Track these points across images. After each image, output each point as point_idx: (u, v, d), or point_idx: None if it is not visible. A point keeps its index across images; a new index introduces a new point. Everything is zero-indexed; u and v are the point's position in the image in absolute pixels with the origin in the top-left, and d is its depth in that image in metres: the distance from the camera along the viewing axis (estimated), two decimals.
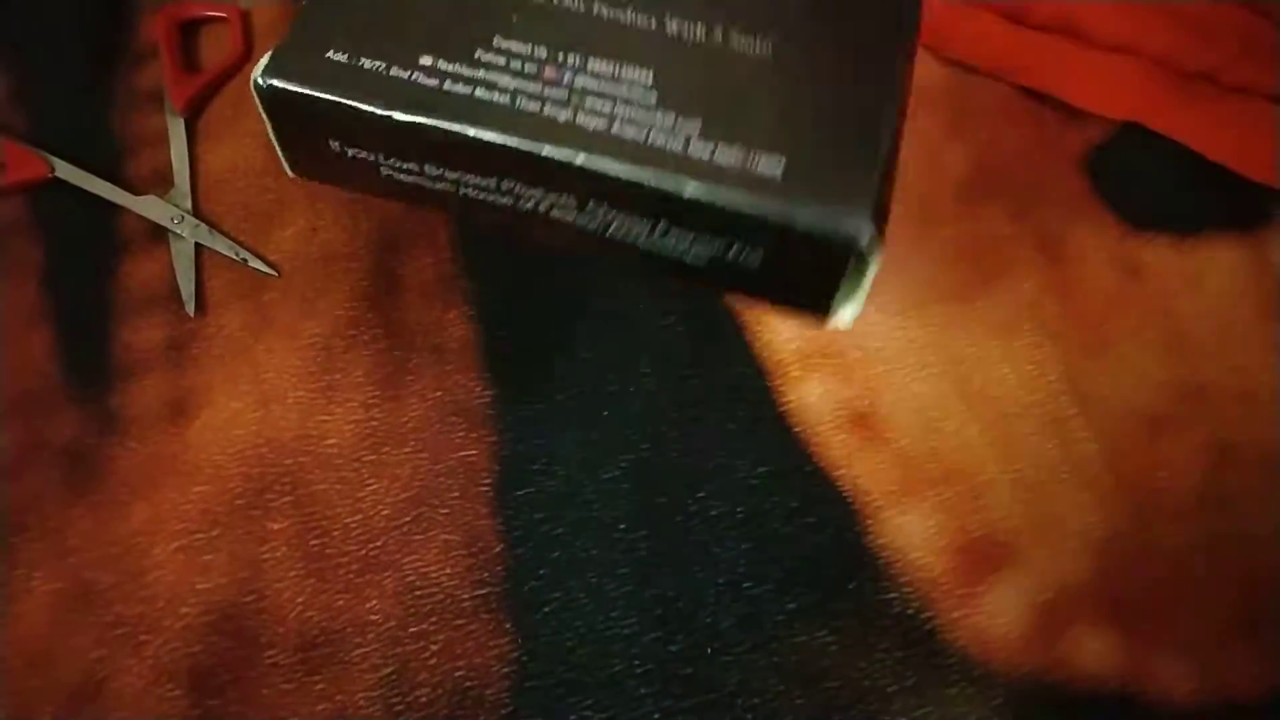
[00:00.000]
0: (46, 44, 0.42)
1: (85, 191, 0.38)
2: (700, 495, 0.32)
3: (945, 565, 0.31)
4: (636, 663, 0.29)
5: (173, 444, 0.33)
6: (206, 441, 0.33)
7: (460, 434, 0.33)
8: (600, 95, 0.25)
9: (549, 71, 0.26)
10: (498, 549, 0.31)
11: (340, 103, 0.26)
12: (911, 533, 0.31)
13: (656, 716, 0.28)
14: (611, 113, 0.25)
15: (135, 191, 0.38)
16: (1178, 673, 0.29)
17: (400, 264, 0.36)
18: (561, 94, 0.25)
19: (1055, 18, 0.39)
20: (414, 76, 0.26)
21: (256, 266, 0.36)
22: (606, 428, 0.33)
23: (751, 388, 0.34)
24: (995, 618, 0.30)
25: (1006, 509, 0.31)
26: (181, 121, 0.40)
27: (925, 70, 0.40)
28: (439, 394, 0.34)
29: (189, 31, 0.42)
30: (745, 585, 0.31)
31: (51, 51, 0.42)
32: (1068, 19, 0.39)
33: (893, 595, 0.30)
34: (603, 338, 0.35)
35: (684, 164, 0.24)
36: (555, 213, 0.27)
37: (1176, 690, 0.29)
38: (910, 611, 0.30)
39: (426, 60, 0.26)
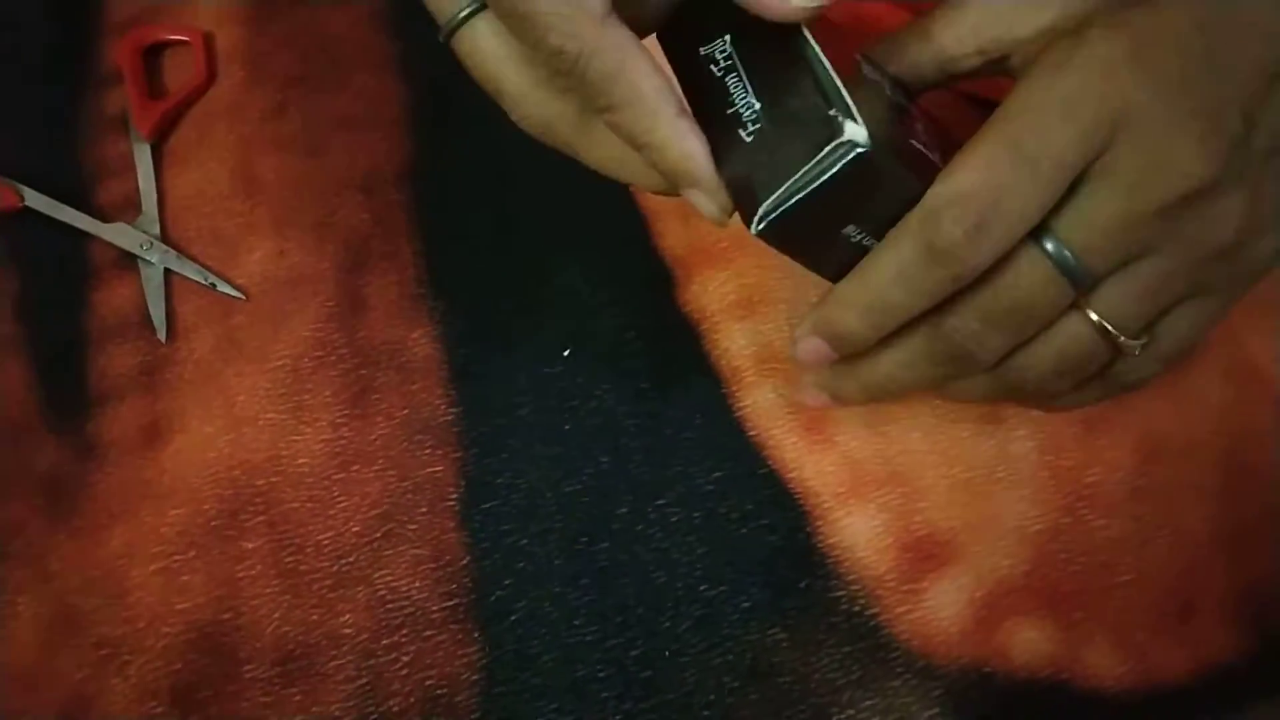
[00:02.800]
0: (11, 72, 0.42)
1: (56, 220, 0.39)
2: (660, 503, 0.34)
3: (890, 563, 0.33)
4: (599, 668, 0.31)
5: (148, 469, 0.34)
6: (181, 465, 0.34)
7: (427, 451, 0.34)
8: None
9: None
10: (465, 561, 0.33)
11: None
12: (858, 532, 0.33)
13: (618, 719, 0.30)
14: None
15: (104, 219, 0.39)
16: (1108, 660, 0.31)
17: (366, 284, 0.37)
18: None
19: None
20: None
21: (225, 290, 0.37)
22: (568, 441, 0.35)
23: (708, 395, 0.36)
24: (937, 612, 0.32)
25: (946, 508, 0.33)
26: (147, 147, 0.41)
27: None
28: (405, 412, 0.35)
29: (152, 56, 0.43)
30: (702, 588, 0.32)
31: (17, 80, 0.42)
32: None
33: (841, 593, 0.32)
34: (564, 353, 0.36)
35: None
36: None
37: (1107, 676, 0.31)
38: (857, 608, 0.32)
39: None
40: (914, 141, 0.27)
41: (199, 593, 0.32)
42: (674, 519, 0.33)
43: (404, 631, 0.31)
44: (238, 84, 0.42)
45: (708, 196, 0.26)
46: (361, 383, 0.35)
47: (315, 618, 0.32)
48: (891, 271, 0.26)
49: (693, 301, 0.37)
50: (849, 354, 0.28)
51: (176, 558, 0.32)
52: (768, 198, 0.24)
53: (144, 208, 0.39)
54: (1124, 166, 0.25)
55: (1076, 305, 0.27)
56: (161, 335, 0.36)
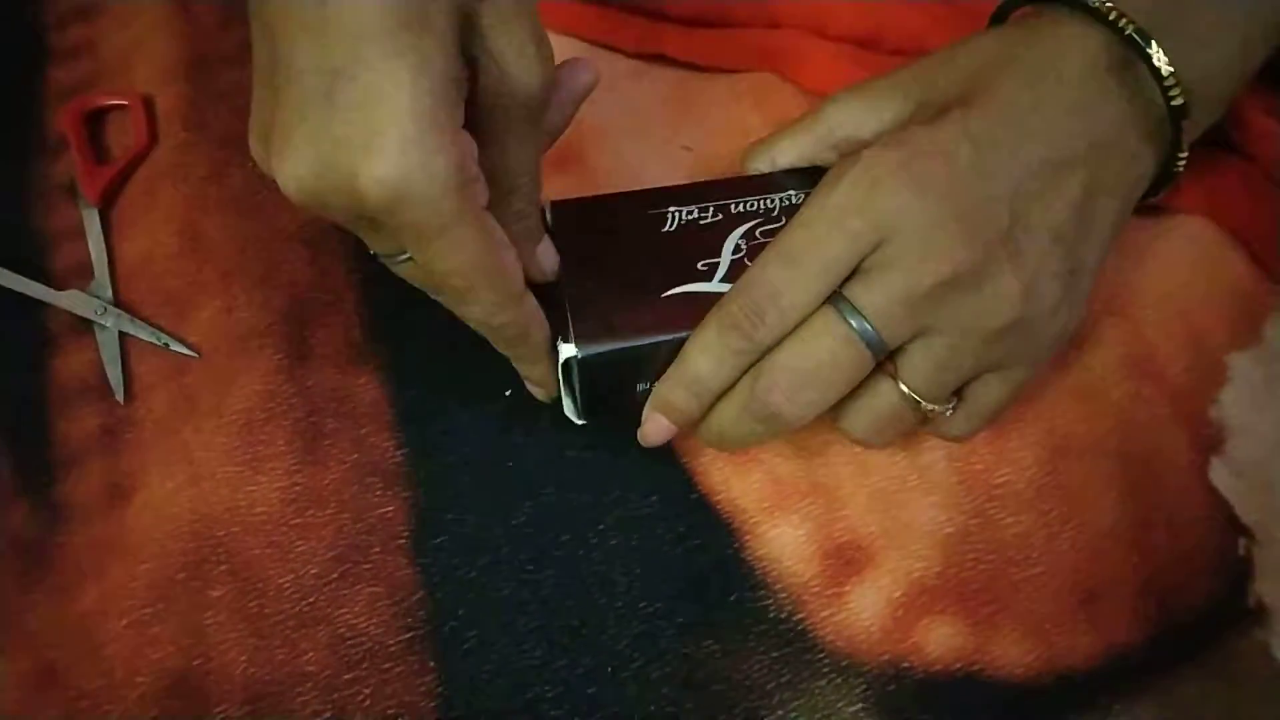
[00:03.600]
0: None
1: (10, 290, 0.40)
2: (600, 528, 0.36)
3: (814, 570, 0.35)
4: (548, 688, 0.33)
5: (114, 527, 0.36)
6: (145, 522, 0.36)
7: (378, 493, 0.36)
8: None
9: None
10: (418, 595, 0.35)
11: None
12: (784, 543, 0.35)
13: None
14: None
15: (59, 286, 0.41)
16: (1017, 649, 0.34)
17: (311, 334, 0.39)
18: None
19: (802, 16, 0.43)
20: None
21: (178, 350, 0.39)
22: (511, 476, 0.37)
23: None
24: (858, 614, 0.34)
25: (865, 516, 0.36)
26: (95, 212, 0.42)
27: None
28: (356, 456, 0.37)
29: (94, 121, 0.45)
30: (641, 605, 0.35)
31: None
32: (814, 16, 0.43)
33: (769, 601, 0.35)
34: (505, 393, 0.38)
35: None
36: None
37: (1016, 665, 0.33)
38: (784, 615, 0.34)
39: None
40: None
41: (169, 642, 0.34)
42: (613, 543, 0.36)
43: (364, 665, 0.34)
44: (179, 145, 0.44)
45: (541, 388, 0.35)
46: (313, 430, 0.37)
47: (280, 658, 0.34)
48: (697, 349, 0.32)
49: None
50: (684, 426, 0.34)
51: (146, 610, 0.34)
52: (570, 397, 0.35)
53: (96, 273, 0.41)
54: (895, 257, 0.30)
55: (888, 374, 0.32)
56: (119, 397, 0.38)
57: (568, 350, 0.33)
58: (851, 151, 0.32)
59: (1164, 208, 0.40)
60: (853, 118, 0.34)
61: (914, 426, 0.33)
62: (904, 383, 0.32)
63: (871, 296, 0.30)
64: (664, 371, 0.33)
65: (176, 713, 0.33)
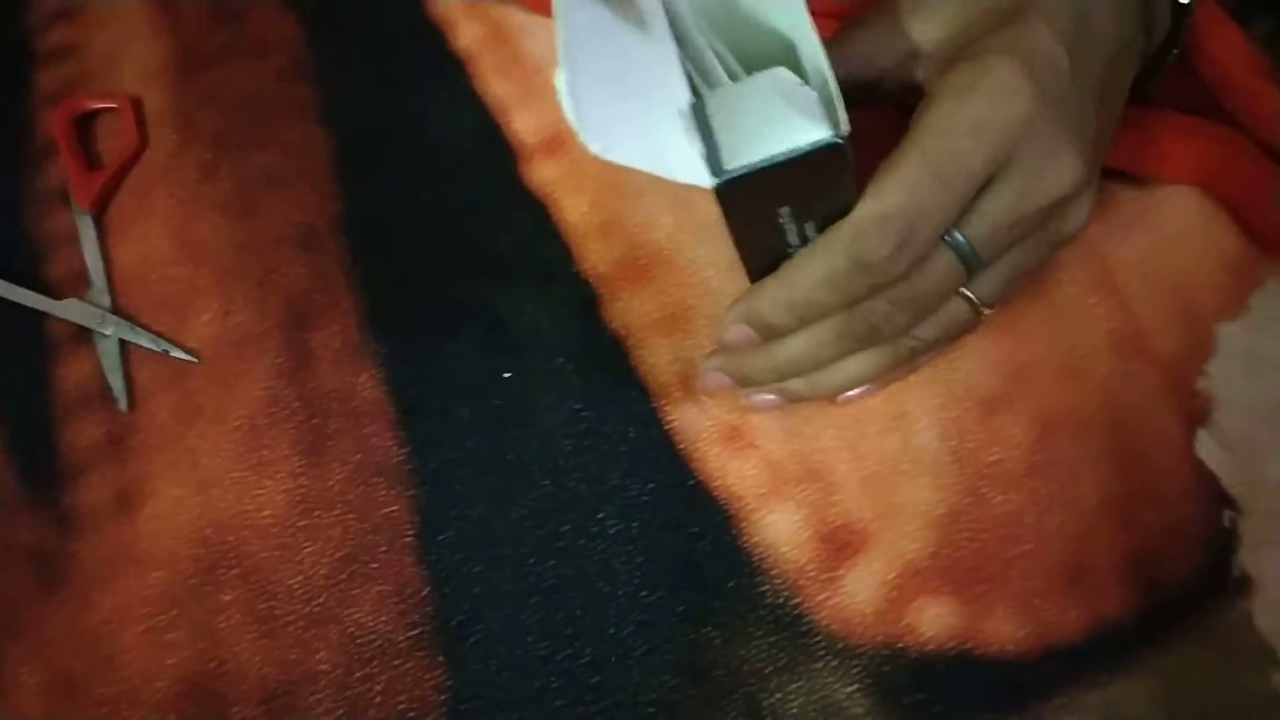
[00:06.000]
0: None
1: (9, 301, 0.41)
2: (600, 517, 0.37)
3: (809, 555, 0.36)
4: (553, 678, 0.34)
5: (125, 535, 0.37)
6: (155, 529, 0.37)
7: (382, 492, 0.37)
8: None
9: None
10: (425, 591, 0.36)
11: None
12: (780, 529, 0.36)
13: None
14: None
15: (56, 295, 0.41)
16: (1008, 626, 0.34)
17: (310, 337, 0.40)
18: None
19: None
20: None
21: (178, 355, 0.40)
22: (512, 470, 0.37)
23: (639, 412, 0.38)
24: (853, 597, 0.35)
25: (859, 500, 0.36)
26: (89, 218, 0.43)
27: None
28: (359, 456, 0.38)
29: (84, 125, 0.45)
30: (641, 594, 0.36)
31: None
32: None
33: (765, 587, 0.35)
34: (503, 385, 0.39)
35: None
36: None
37: (1008, 642, 0.34)
38: (781, 600, 0.35)
39: None
40: None
41: (184, 647, 0.35)
42: (613, 532, 0.36)
43: (375, 663, 0.35)
44: (170, 147, 0.44)
45: None
46: (315, 432, 0.38)
47: (293, 658, 0.35)
48: (819, 277, 0.30)
49: (618, 319, 0.40)
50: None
51: (161, 617, 0.35)
52: (740, 157, 0.27)
53: (93, 280, 0.42)
54: (1017, 175, 0.29)
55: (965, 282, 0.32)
56: (122, 405, 0.39)
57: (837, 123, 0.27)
58: (890, 69, 0.32)
59: (1152, 179, 0.40)
60: (909, 29, 0.32)
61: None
62: (975, 294, 0.32)
63: (984, 224, 0.30)
64: (808, 211, 0.29)
65: (194, 716, 0.34)
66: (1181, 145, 0.40)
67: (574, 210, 0.41)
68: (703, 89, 0.28)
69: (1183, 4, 0.33)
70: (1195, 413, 0.37)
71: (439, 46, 0.45)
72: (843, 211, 0.29)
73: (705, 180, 0.27)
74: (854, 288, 0.30)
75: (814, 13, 0.29)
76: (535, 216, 0.42)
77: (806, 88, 0.26)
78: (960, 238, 0.30)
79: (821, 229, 0.30)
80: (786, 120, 0.26)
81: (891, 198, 0.28)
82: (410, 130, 0.44)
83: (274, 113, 0.44)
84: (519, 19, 0.45)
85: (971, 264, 0.31)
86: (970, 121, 0.28)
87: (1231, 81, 0.38)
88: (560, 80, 0.23)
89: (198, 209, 0.43)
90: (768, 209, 0.29)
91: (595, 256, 0.41)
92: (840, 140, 0.26)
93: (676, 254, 0.40)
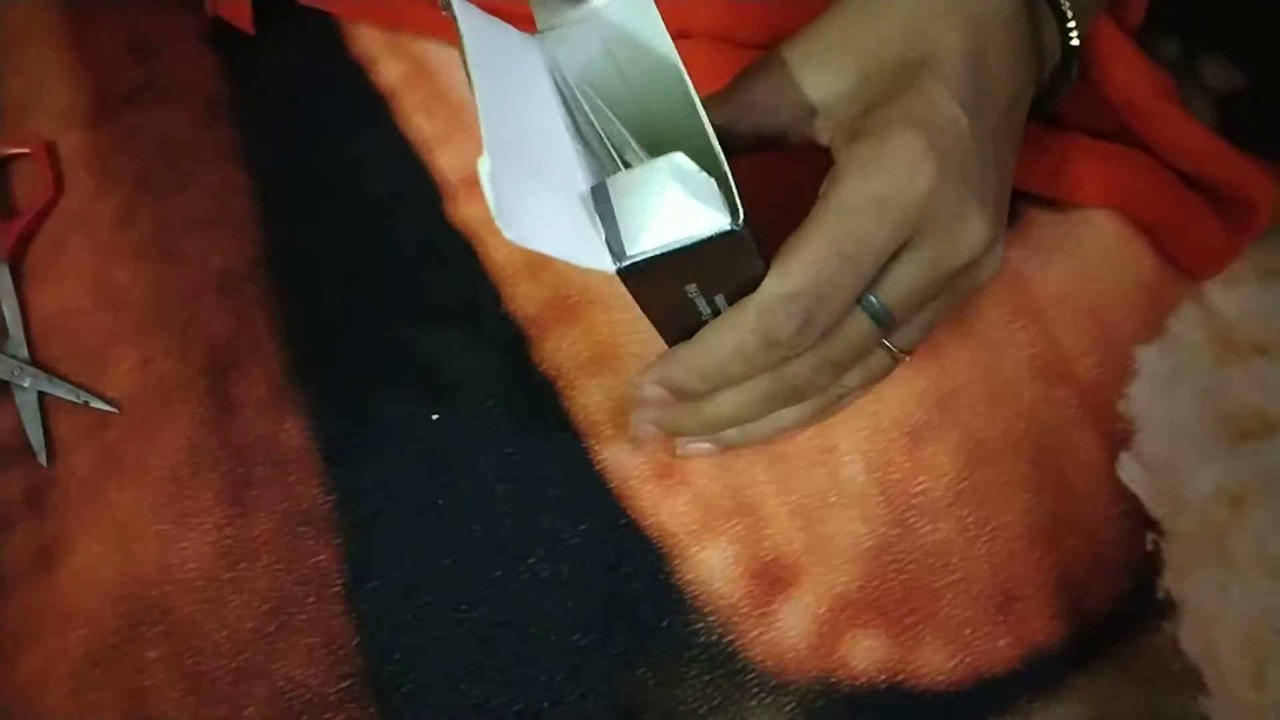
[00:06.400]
0: None
1: None
2: (531, 562, 0.37)
3: (742, 591, 0.36)
4: None
5: (46, 593, 0.36)
6: (77, 586, 0.36)
7: (309, 541, 0.37)
8: None
9: None
10: (355, 642, 0.35)
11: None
12: (712, 566, 0.36)
13: None
14: None
15: None
16: (939, 657, 0.35)
17: (233, 384, 0.39)
18: None
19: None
20: None
21: (98, 406, 0.39)
22: (441, 515, 0.37)
23: (569, 452, 0.38)
24: (786, 633, 0.35)
25: (788, 534, 0.36)
26: (5, 268, 0.42)
27: None
28: (285, 505, 0.37)
29: None
30: (574, 637, 0.35)
31: None
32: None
33: (699, 625, 0.35)
34: (432, 429, 0.38)
35: None
36: None
37: (939, 673, 0.35)
38: (715, 638, 0.35)
39: None
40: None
41: (110, 707, 0.34)
42: (544, 576, 0.36)
43: (304, 717, 0.34)
44: (87, 193, 0.43)
45: None
46: (240, 481, 0.38)
47: (221, 714, 0.34)
48: (729, 351, 0.31)
49: (548, 359, 0.40)
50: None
51: (84, 677, 0.35)
52: (641, 244, 0.27)
53: (10, 331, 0.41)
54: (926, 244, 0.30)
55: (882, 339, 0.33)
56: (42, 459, 0.38)
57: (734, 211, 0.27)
58: (791, 123, 0.32)
59: (1069, 204, 0.41)
60: (803, 82, 0.32)
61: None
62: (896, 345, 0.33)
63: (897, 291, 0.30)
64: (715, 285, 0.30)
65: None
66: (1095, 169, 0.41)
67: (500, 249, 0.41)
68: (605, 173, 0.29)
69: (1073, 46, 0.34)
70: (1117, 435, 0.38)
71: (361, 84, 0.45)
72: (751, 282, 0.30)
73: (608, 266, 0.27)
74: (766, 359, 0.31)
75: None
76: (462, 256, 0.41)
77: (703, 174, 0.27)
78: (875, 301, 0.30)
79: (732, 299, 0.30)
80: (685, 207, 0.27)
81: (797, 276, 0.29)
82: (333, 170, 0.44)
83: (193, 155, 0.44)
84: (441, 56, 0.45)
85: (887, 325, 0.31)
86: (874, 200, 0.29)
87: (1139, 106, 0.39)
88: (483, 168, 0.24)
89: (116, 255, 0.42)
90: (674, 287, 0.29)
91: (524, 297, 0.41)
92: (737, 228, 0.27)
93: (605, 291, 0.40)
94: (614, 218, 0.27)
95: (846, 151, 0.30)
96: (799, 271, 0.29)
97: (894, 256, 0.30)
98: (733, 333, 0.30)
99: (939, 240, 0.30)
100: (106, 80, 0.45)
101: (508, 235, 0.24)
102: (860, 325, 0.31)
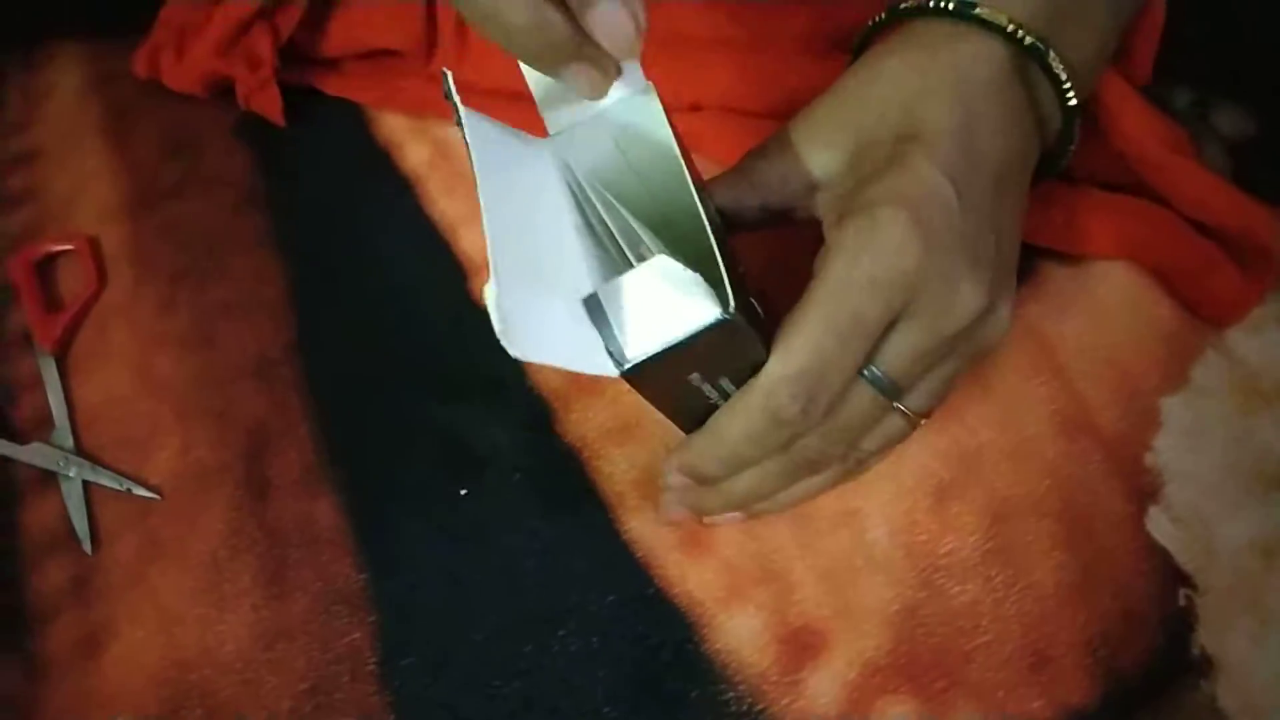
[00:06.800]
0: None
1: None
2: (560, 634, 0.37)
3: (771, 658, 0.36)
4: None
5: (90, 679, 0.37)
6: (120, 673, 0.37)
7: (343, 620, 0.37)
8: None
9: None
10: None
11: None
12: (741, 634, 0.36)
13: None
14: None
15: (21, 439, 0.42)
16: None
17: (268, 466, 0.41)
18: None
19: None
20: None
21: (140, 493, 0.40)
22: (471, 590, 0.38)
23: (596, 524, 0.39)
24: (816, 700, 0.35)
25: (816, 599, 0.37)
26: (52, 360, 0.44)
27: None
28: (319, 584, 0.38)
29: (44, 267, 0.46)
30: (605, 710, 0.36)
31: None
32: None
33: (729, 695, 0.35)
34: (460, 504, 0.39)
35: None
36: None
37: None
38: (745, 707, 0.35)
39: None
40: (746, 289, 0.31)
41: None
42: (574, 649, 0.37)
43: None
44: (128, 284, 0.45)
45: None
46: (276, 563, 0.39)
47: None
48: (740, 435, 0.32)
49: (572, 431, 0.40)
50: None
51: None
52: (638, 346, 0.29)
53: (56, 422, 0.42)
54: (920, 314, 0.31)
55: (892, 406, 0.33)
56: (87, 547, 0.39)
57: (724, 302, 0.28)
58: (796, 198, 0.34)
59: (1086, 257, 0.41)
60: (805, 159, 0.34)
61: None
62: (908, 409, 0.33)
63: (898, 360, 0.31)
64: (718, 372, 0.31)
65: None
66: (1108, 221, 0.41)
67: None
68: (615, 270, 0.30)
69: (1071, 107, 0.34)
70: (1144, 489, 0.38)
71: (387, 169, 0.47)
72: (754, 365, 0.31)
73: (611, 370, 0.29)
74: (777, 439, 0.32)
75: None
76: (485, 333, 0.42)
77: (690, 272, 0.28)
78: (877, 372, 0.31)
79: (737, 381, 0.31)
80: (675, 304, 0.28)
81: (796, 358, 0.30)
82: (362, 252, 0.45)
83: (229, 244, 0.46)
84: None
85: (891, 393, 0.32)
86: (863, 280, 0.30)
87: (1150, 158, 0.39)
88: (489, 292, 0.25)
89: (157, 344, 0.44)
90: (678, 380, 0.31)
91: (548, 372, 0.41)
92: (728, 316, 0.28)
93: None
94: (609, 324, 0.29)
95: (837, 230, 0.31)
96: (799, 351, 0.30)
97: (892, 326, 0.31)
98: (741, 418, 0.31)
99: (933, 309, 0.31)
100: (145, 176, 0.47)
101: (512, 353, 0.25)
102: (865, 396, 0.32)
